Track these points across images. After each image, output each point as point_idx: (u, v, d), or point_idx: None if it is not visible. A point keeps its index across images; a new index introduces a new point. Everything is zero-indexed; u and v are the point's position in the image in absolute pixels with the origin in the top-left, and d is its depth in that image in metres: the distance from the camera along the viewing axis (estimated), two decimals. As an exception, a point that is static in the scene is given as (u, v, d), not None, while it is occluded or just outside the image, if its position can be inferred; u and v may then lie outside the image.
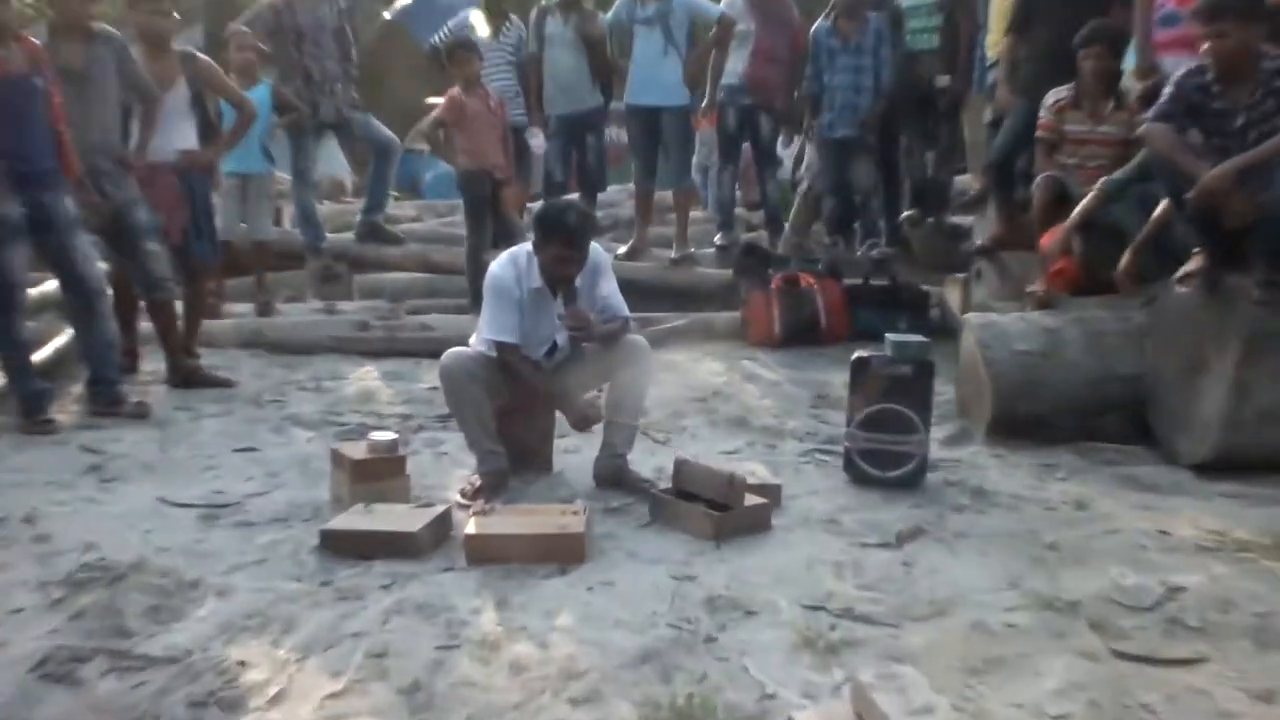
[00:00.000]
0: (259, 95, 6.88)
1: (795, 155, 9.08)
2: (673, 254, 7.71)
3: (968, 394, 4.89)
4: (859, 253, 7.74)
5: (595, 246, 3.97)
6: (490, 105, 7.02)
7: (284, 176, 8.16)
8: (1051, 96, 5.67)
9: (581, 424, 3.99)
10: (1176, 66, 4.63)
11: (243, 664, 2.64)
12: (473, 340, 4.05)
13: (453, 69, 6.98)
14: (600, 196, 8.22)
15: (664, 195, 8.74)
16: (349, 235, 8.22)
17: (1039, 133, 5.71)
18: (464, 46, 6.98)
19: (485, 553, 3.24)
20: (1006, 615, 2.89)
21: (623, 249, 7.94)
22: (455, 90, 6.96)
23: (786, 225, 8.13)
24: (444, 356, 3.92)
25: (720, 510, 3.48)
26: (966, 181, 8.12)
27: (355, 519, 3.43)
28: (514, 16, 8.04)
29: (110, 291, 5.16)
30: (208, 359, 5.88)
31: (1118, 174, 5.12)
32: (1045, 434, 4.50)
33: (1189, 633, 2.79)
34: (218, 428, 4.82)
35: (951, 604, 2.97)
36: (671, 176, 7.77)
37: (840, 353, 6.04)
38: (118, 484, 4.02)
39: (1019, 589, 3.06)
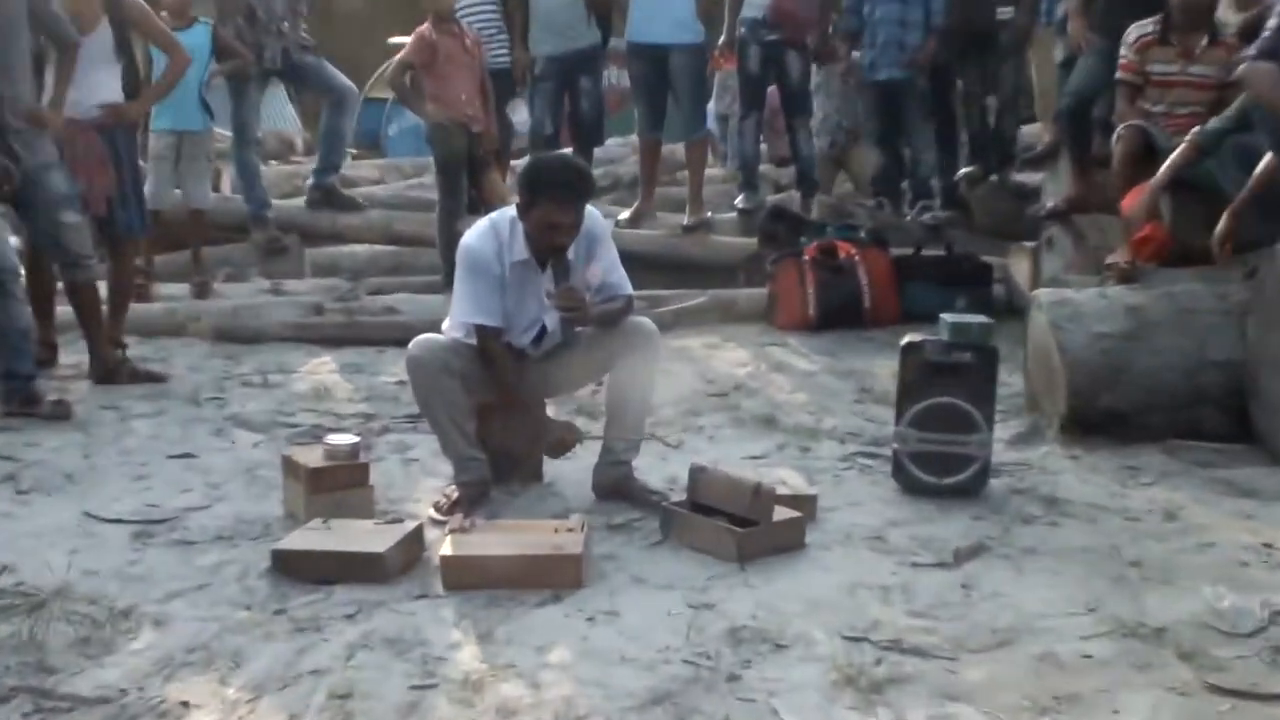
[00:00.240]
0: (194, 38, 6.88)
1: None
2: (685, 220, 7.72)
3: (1038, 385, 4.90)
4: (908, 217, 7.74)
5: (592, 211, 3.96)
6: (466, 45, 7.03)
7: (224, 133, 8.16)
8: (1134, 31, 5.66)
9: (555, 449, 4.02)
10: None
11: (185, 705, 2.65)
12: (446, 325, 4.05)
13: (422, 2, 6.98)
14: (597, 152, 8.21)
15: (674, 149, 8.75)
16: (299, 201, 8.22)
17: (1120, 74, 5.70)
18: (435, -25, 6.98)
19: (465, 577, 3.24)
20: (1082, 644, 2.89)
21: (625, 214, 7.94)
22: (424, 27, 6.96)
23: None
24: (412, 345, 3.92)
25: (744, 526, 3.49)
26: (1034, 132, 8.11)
27: (312, 537, 3.44)
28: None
29: (23, 272, 5.17)
30: (136, 350, 5.89)
31: (1213, 123, 5.11)
32: (1129, 431, 4.49)
33: (1297, 664, 2.80)
34: (149, 430, 4.83)
35: (1017, 632, 2.97)
36: (683, 127, 7.76)
37: (887, 337, 6.04)
38: (36, 496, 4.04)
39: (1097, 613, 3.07)
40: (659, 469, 4.27)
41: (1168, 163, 5.13)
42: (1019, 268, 6.64)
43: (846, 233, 6.99)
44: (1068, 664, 2.81)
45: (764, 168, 9.11)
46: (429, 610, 3.13)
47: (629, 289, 4.05)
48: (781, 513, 3.57)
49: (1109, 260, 5.30)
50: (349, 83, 7.94)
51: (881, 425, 4.72)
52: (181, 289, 7.09)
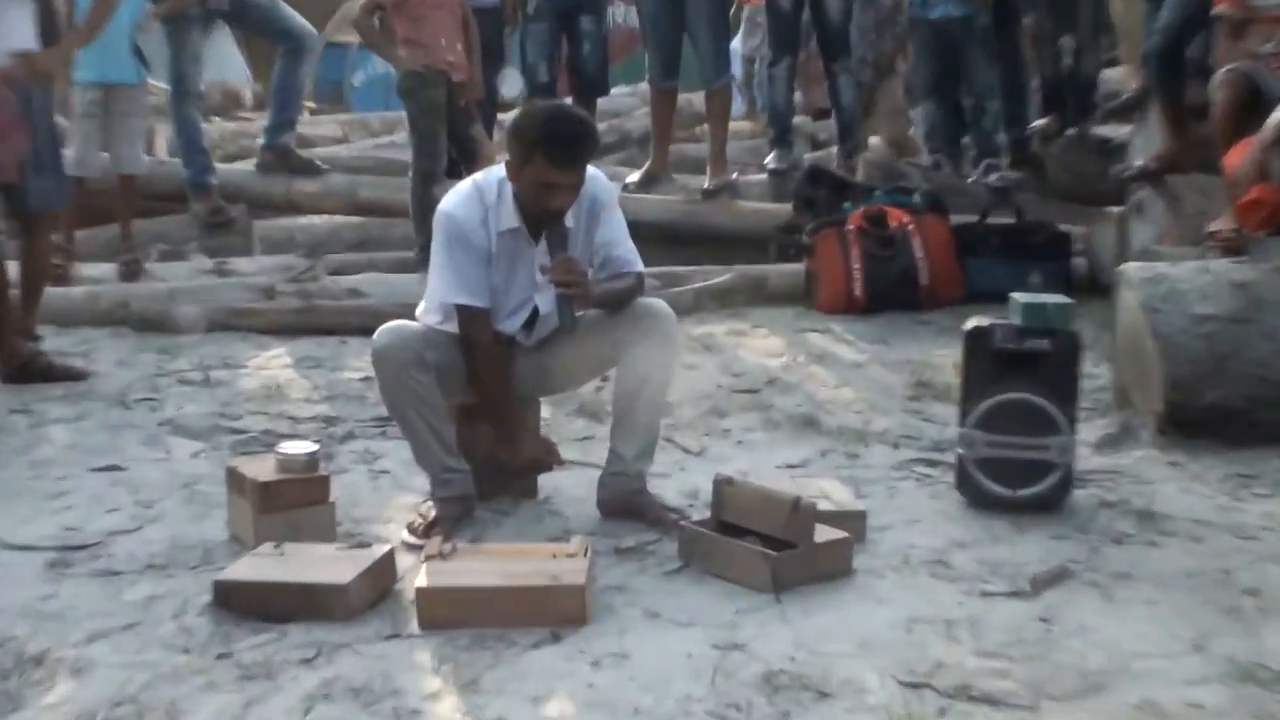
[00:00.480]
0: (123, -28, 6.86)
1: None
2: (706, 183, 7.73)
3: (1128, 376, 4.88)
4: (972, 179, 7.73)
5: (595, 173, 3.94)
6: (444, -22, 7.01)
7: (160, 86, 8.16)
8: (1238, -46, 5.64)
9: (530, 466, 4.02)
10: None
11: (108, 772, 2.64)
12: (421, 310, 4.03)
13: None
14: (601, 103, 8.24)
15: (692, 99, 8.75)
16: (248, 165, 8.23)
17: (1219, 8, 5.67)
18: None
19: (445, 612, 3.22)
20: (1188, 690, 2.87)
21: (634, 176, 7.96)
22: (395, -42, 6.94)
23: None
24: (379, 334, 3.90)
25: (780, 549, 3.47)
26: (1118, 77, 8.10)
27: (262, 565, 3.42)
28: None
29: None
30: (52, 342, 5.88)
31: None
32: (1239, 431, 4.48)
33: None
34: (68, 438, 4.82)
35: (1110, 675, 2.94)
36: (703, 73, 7.77)
37: (947, 321, 6.04)
38: (-69, 519, 4.03)
39: (1206, 652, 3.05)
40: (677, 481, 4.25)
41: (1278, 113, 5.08)
42: (1103, 238, 6.65)
43: (898, 197, 7.00)
44: (1171, 714, 2.78)
45: (799, 120, 9.10)
46: (402, 653, 3.10)
47: (639, 265, 4.03)
48: (824, 533, 3.54)
49: (1210, 228, 5.29)
50: (306, 25, 7.97)
51: (942, 427, 4.71)
52: (108, 270, 7.10)
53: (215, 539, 3.83)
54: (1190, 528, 3.83)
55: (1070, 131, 7.84)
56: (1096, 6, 7.79)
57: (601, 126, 7.54)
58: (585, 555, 3.40)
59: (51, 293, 6.11)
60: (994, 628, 3.19)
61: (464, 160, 7.04)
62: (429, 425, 3.86)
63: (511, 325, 4.01)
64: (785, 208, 7.45)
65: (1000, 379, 3.96)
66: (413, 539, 3.77)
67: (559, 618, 3.20)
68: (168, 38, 7.66)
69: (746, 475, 3.90)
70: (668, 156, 8.07)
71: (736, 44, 9.55)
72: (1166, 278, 4.76)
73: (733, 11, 9.25)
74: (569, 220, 3.87)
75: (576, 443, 4.63)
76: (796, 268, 6.85)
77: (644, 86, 8.64)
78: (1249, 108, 5.40)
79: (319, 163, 8.24)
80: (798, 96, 8.94)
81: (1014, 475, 3.95)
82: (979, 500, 3.99)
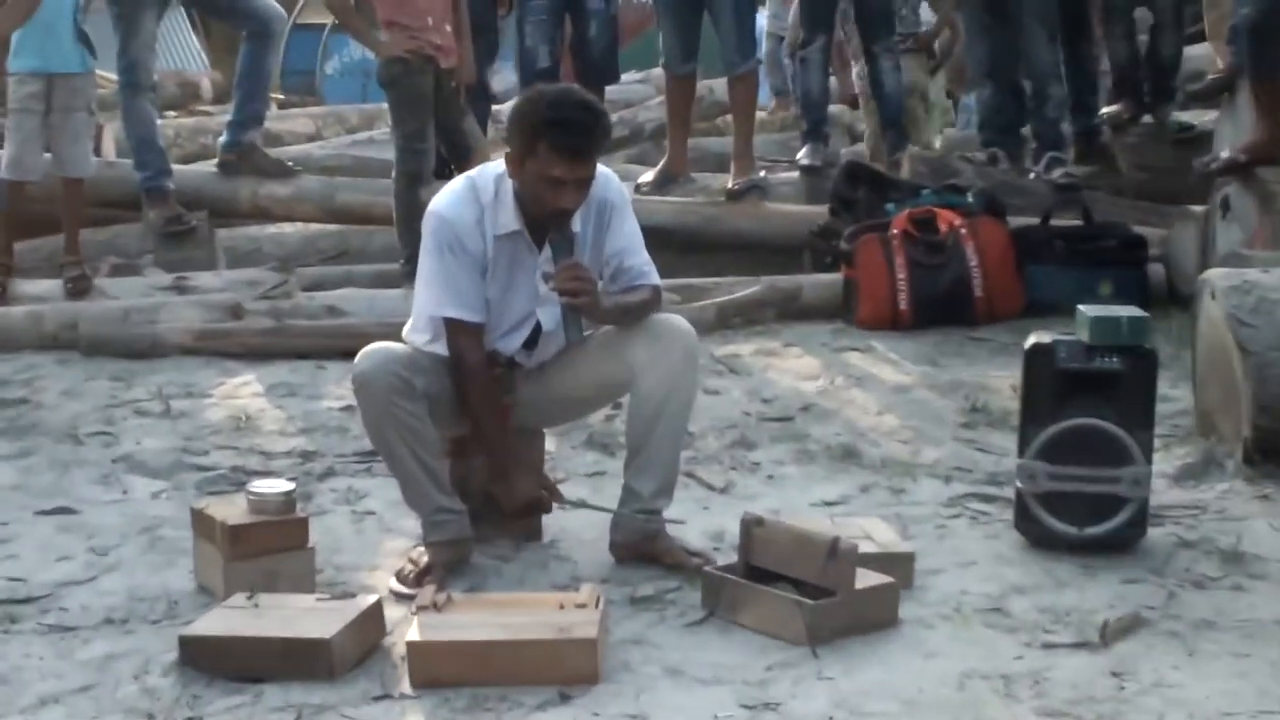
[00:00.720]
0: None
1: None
2: (730, 182, 7.73)
3: (1212, 399, 4.88)
4: (1032, 174, 7.71)
5: (606, 172, 3.96)
6: (430, -49, 7.04)
7: (108, 76, 8.18)
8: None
9: (523, 510, 4.03)
10: None
11: None
12: (407, 329, 4.05)
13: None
14: (609, 92, 8.21)
15: (713, 85, 8.75)
16: (209, 165, 8.22)
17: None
18: None
19: (440, 670, 3.24)
20: (1281, 755, 2.89)
21: (647, 175, 7.95)
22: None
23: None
24: (361, 358, 3.91)
25: (817, 597, 3.48)
26: (1201, 56, 8.07)
27: (233, 619, 3.44)
28: None
29: None
30: (-11, 368, 5.90)
31: None
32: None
33: None
34: (12, 477, 4.83)
35: (1191, 737, 2.96)
36: (725, 56, 7.77)
37: (1005, 336, 6.06)
38: None
39: (1300, 712, 3.06)
40: (700, 520, 4.26)
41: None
42: (1183, 241, 6.63)
43: (949, 197, 6.98)
44: (1261, 781, 2.80)
45: (835, 110, 9.10)
46: (392, 716, 3.11)
47: (655, 277, 4.05)
48: (866, 578, 3.56)
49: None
50: (273, 4, 7.94)
51: (1000, 457, 4.71)
52: (52, 285, 7.07)
53: (180, 589, 3.84)
54: (1283, 570, 3.84)
55: (1146, 119, 7.81)
56: (1176, -23, 7.79)
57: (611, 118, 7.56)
58: (597, 605, 3.41)
59: (-14, 313, 6.13)
60: (1059, 684, 3.19)
61: (454, 158, 7.05)
62: (419, 460, 3.87)
63: (510, 344, 4.02)
64: (820, 210, 7.40)
65: (1065, 403, 3.96)
66: (402, 588, 3.78)
67: (568, 675, 3.21)
68: (116, 21, 7.60)
69: (778, 514, 3.92)
70: (686, 152, 8.06)
71: (763, 21, 9.53)
72: (1256, 286, 4.73)
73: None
74: (575, 224, 3.86)
75: (586, 479, 4.64)
76: (833, 278, 6.82)
77: (658, 72, 8.63)
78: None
79: (289, 163, 8.20)
80: (833, 83, 8.92)
81: (1081, 512, 3.95)
82: (1041, 540, 4.00)
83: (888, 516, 4.27)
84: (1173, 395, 4.99)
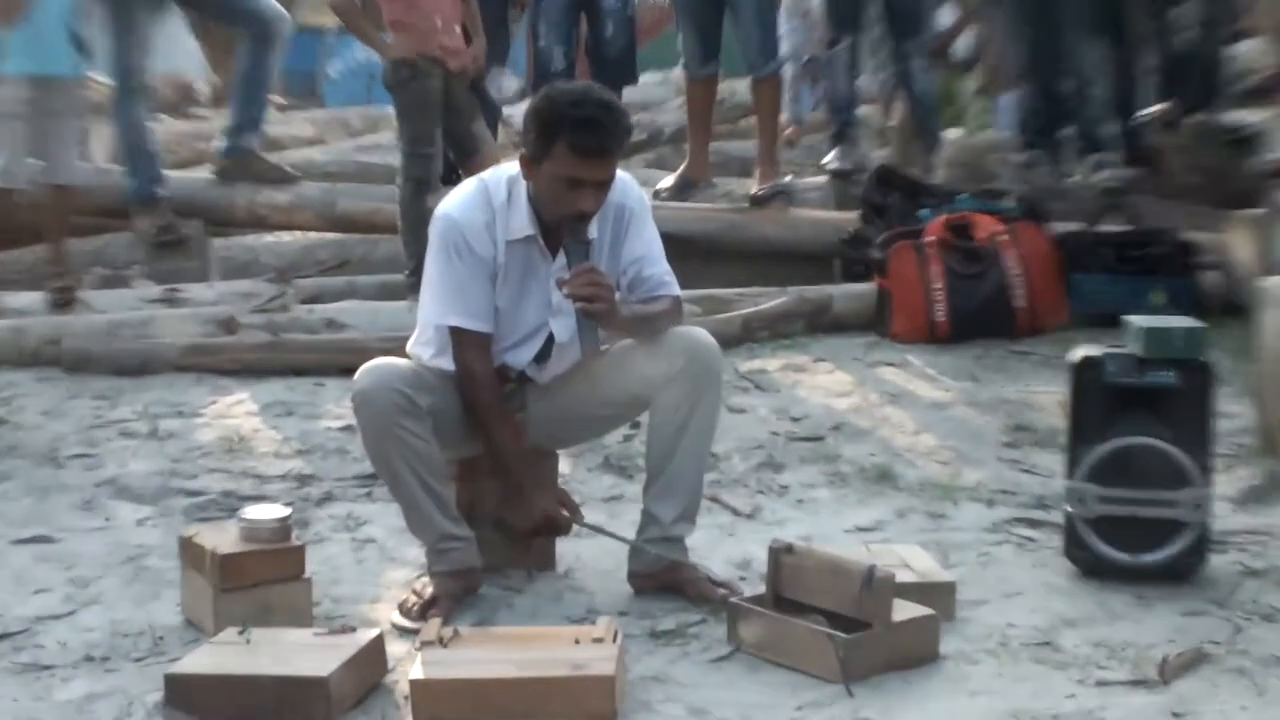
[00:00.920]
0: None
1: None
2: (754, 187, 7.75)
3: (1275, 415, 4.86)
4: (1076, 178, 7.71)
5: (625, 178, 3.95)
6: (439, -53, 7.04)
7: (101, 80, 8.19)
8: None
9: (539, 528, 3.97)
10: None
11: None
12: (411, 343, 4.04)
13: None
14: (626, 94, 8.21)
15: (734, 86, 8.73)
16: (205, 172, 8.24)
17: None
18: None
19: (445, 710, 3.22)
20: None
21: (667, 181, 7.98)
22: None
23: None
24: (361, 375, 3.89)
25: (851, 630, 3.45)
26: (1252, 52, 8.04)
27: (224, 656, 3.41)
28: None
29: None
30: (-32, 387, 5.91)
31: None
32: None
33: None
34: (-12, 503, 4.85)
35: (1261, 785, 2.93)
36: (747, 56, 7.80)
37: (1049, 349, 6.05)
38: None
39: (1380, 756, 3.02)
40: (724, 548, 4.25)
41: None
42: (1239, 247, 6.60)
43: (987, 202, 7.01)
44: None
45: (864, 112, 9.10)
46: (392, 761, 3.10)
47: (676, 288, 4.04)
48: (904, 609, 3.53)
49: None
50: (274, 5, 7.98)
51: (1046, 479, 4.70)
52: (35, 299, 7.08)
53: (166, 624, 3.81)
54: (1356, 601, 3.81)
55: (1194, 119, 7.79)
56: (1225, -33, 7.81)
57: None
58: (615, 640, 3.38)
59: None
60: (1115, 725, 3.17)
61: (461, 164, 7.05)
62: (424, 484, 3.84)
63: (521, 357, 4.01)
64: (850, 216, 7.44)
65: (1117, 421, 3.94)
66: (406, 621, 3.76)
67: (584, 715, 3.19)
68: (109, 22, 7.69)
69: (809, 541, 3.90)
70: (707, 157, 8.09)
71: (784, 21, 9.57)
72: (1319, 295, 4.76)
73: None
74: (592, 230, 3.86)
75: (602, 503, 4.64)
76: (865, 289, 6.84)
77: (678, 73, 8.67)
78: None
79: (289, 169, 8.25)
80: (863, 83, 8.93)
81: (1136, 538, 3.92)
82: (1093, 568, 3.97)
83: (926, 543, 4.25)
84: (1232, 412, 4.96)
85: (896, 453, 5.18)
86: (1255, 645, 3.54)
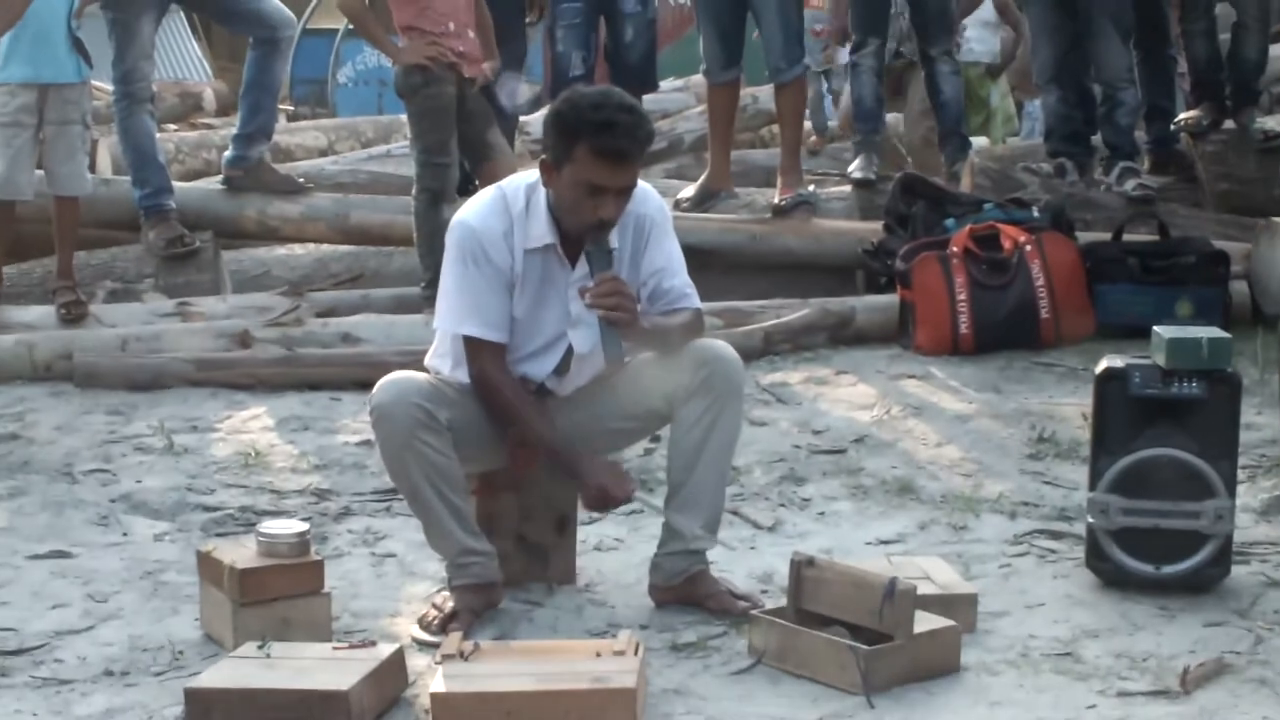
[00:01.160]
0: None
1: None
2: (776, 197, 7.73)
3: None
4: (1103, 186, 7.69)
5: (645, 188, 3.97)
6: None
7: (104, 87, 8.22)
8: None
9: (598, 501, 3.96)
10: None
11: None
12: (429, 357, 4.08)
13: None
14: (647, 100, 8.15)
15: (757, 93, 8.72)
16: (214, 182, 8.24)
17: None
18: None
19: (467, 723, 3.27)
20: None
21: (687, 191, 7.93)
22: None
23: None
24: (379, 389, 3.91)
25: (873, 642, 3.49)
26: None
27: (243, 670, 3.45)
28: None
29: None
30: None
31: None
32: None
33: None
34: (2, 519, 4.85)
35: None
36: (771, 62, 7.77)
37: (1075, 361, 6.06)
38: None
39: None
40: (745, 561, 4.26)
41: None
42: (1269, 256, 6.61)
43: (1013, 212, 6.97)
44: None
45: (891, 118, 9.09)
46: (416, 773, 3.14)
47: (697, 300, 4.06)
48: (926, 621, 3.56)
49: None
50: (282, 9, 7.94)
51: (1069, 491, 4.72)
52: (45, 312, 7.05)
53: (185, 639, 3.85)
54: (1383, 613, 3.82)
55: (1227, 125, 7.78)
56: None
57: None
58: (636, 653, 3.41)
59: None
60: (1138, 736, 3.20)
61: (474, 168, 7.06)
62: (443, 498, 3.86)
63: (540, 368, 4.02)
64: (874, 226, 7.36)
65: (1141, 432, 3.97)
66: (426, 636, 3.80)
67: None
68: (111, 27, 7.57)
69: (830, 554, 3.95)
70: (729, 166, 8.06)
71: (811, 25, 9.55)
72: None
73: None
74: (612, 240, 3.87)
75: (623, 518, 4.62)
76: (889, 300, 6.81)
77: (698, 79, 8.63)
78: None
79: (300, 180, 8.18)
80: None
81: (1158, 549, 3.95)
82: (1115, 580, 4.00)
83: (948, 555, 4.28)
84: (1258, 423, 4.99)
85: (919, 465, 5.19)
86: (1277, 656, 3.58)
